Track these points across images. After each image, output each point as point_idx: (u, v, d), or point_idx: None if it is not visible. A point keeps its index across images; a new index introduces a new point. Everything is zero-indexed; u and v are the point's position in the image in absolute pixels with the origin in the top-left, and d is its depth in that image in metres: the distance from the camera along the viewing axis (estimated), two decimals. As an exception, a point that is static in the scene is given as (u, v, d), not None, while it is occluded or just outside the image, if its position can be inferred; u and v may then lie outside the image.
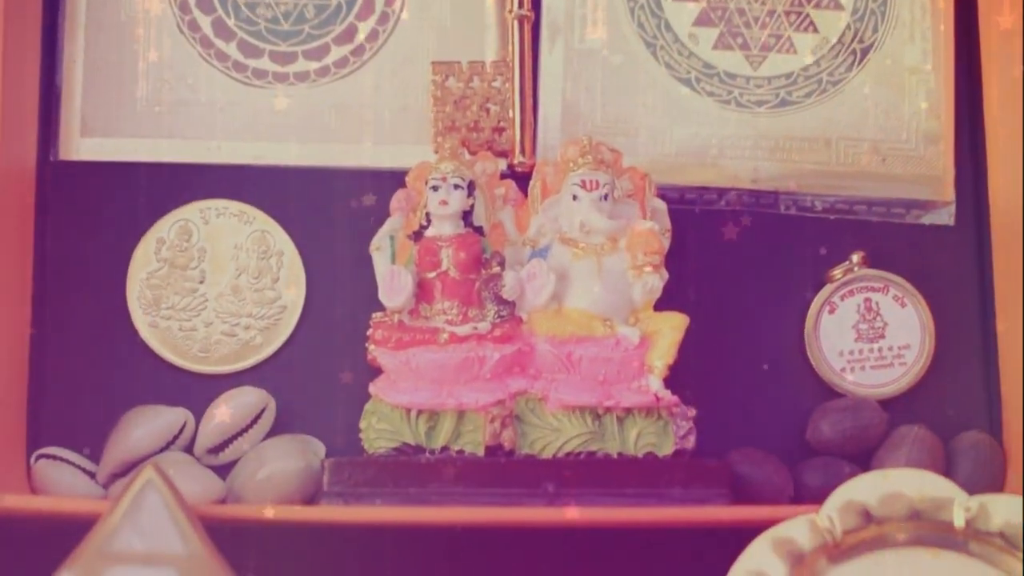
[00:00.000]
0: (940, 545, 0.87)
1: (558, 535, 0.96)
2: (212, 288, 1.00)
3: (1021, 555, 0.86)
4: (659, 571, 0.96)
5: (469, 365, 0.93)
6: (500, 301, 0.95)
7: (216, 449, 0.97)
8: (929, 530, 0.87)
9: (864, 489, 0.87)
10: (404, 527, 0.93)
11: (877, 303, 1.01)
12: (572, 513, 0.88)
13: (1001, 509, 0.87)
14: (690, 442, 0.95)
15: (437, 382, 0.93)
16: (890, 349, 1.01)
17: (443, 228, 0.96)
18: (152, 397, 0.98)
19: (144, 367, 0.99)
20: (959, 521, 0.87)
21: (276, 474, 0.94)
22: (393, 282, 0.94)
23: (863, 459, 0.97)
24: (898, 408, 1.00)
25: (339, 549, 0.95)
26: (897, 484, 0.87)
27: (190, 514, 0.83)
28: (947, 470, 0.96)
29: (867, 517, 0.87)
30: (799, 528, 0.86)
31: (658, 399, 0.93)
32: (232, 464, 0.97)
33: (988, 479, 0.96)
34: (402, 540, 0.95)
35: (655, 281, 0.95)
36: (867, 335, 1.01)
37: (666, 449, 0.94)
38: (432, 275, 0.95)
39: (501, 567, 0.96)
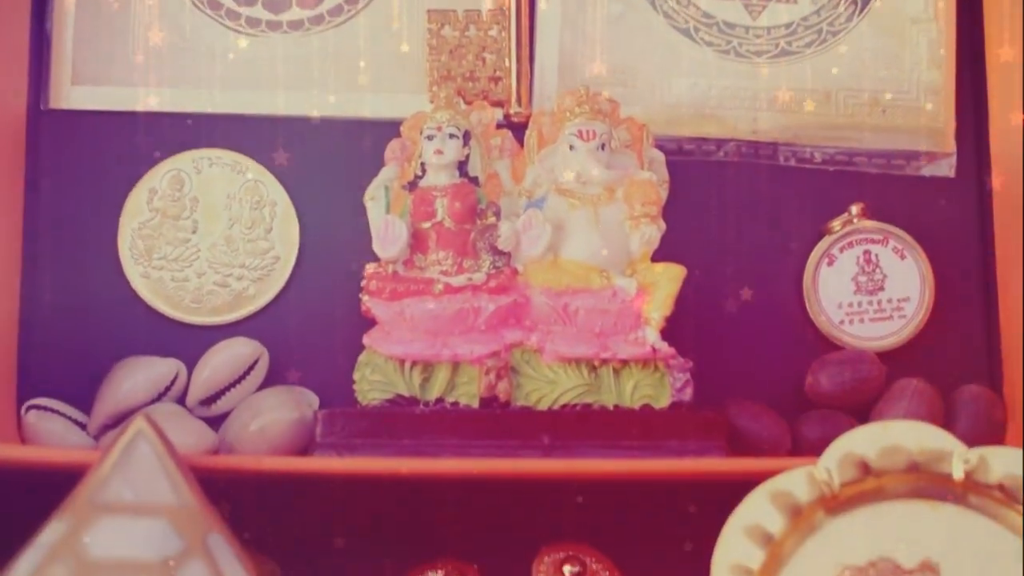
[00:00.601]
0: (939, 497, 0.86)
1: (554, 487, 0.95)
2: (205, 238, 0.99)
3: (1021, 508, 0.85)
4: (655, 524, 0.96)
5: (464, 316, 0.92)
6: (495, 252, 0.94)
7: (208, 401, 0.96)
8: (928, 482, 0.86)
9: (862, 441, 0.86)
10: (398, 478, 0.92)
11: (876, 255, 1.00)
12: (567, 465, 0.87)
13: (1001, 461, 0.86)
14: (687, 394, 0.94)
15: (432, 333, 0.92)
16: (889, 301, 1.00)
17: (438, 178, 0.95)
18: (144, 348, 0.97)
19: (136, 318, 0.98)
20: (958, 473, 0.86)
21: (269, 425, 0.94)
22: (387, 232, 0.93)
23: (862, 412, 0.97)
24: (897, 361, 0.99)
25: (332, 501, 0.94)
26: (896, 436, 0.87)
27: (181, 464, 0.82)
28: (946, 423, 0.95)
29: (865, 469, 0.86)
30: (797, 480, 0.86)
31: (655, 351, 0.93)
32: (225, 416, 0.96)
33: (988, 432, 0.95)
34: (395, 492, 0.94)
35: (652, 232, 0.94)
36: (866, 287, 1.00)
37: (663, 401, 0.93)
38: (427, 225, 0.94)
39: (496, 519, 0.95)
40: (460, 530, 0.95)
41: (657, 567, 0.95)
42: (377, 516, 0.95)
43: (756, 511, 0.85)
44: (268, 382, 0.97)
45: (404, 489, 0.95)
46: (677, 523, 0.95)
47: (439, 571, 0.93)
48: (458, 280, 0.93)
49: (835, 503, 0.86)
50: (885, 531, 0.85)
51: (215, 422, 0.96)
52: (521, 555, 0.94)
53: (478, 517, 0.95)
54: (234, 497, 0.90)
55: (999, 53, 1.00)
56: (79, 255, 0.98)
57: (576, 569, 0.92)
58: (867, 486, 0.86)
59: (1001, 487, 0.86)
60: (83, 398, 0.96)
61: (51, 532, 0.79)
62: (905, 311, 1.00)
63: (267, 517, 0.94)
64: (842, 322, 1.00)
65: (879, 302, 1.00)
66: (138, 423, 0.82)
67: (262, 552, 0.90)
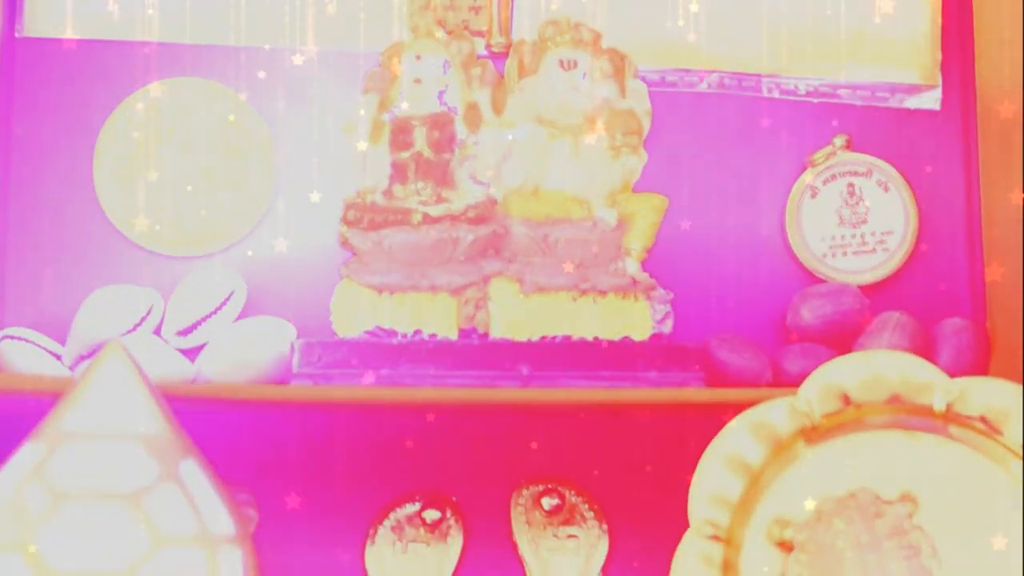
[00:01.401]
0: (920, 428, 0.85)
1: (532, 420, 0.94)
2: (182, 168, 0.98)
3: (1002, 439, 0.84)
4: (634, 456, 0.95)
5: (442, 246, 0.92)
6: (475, 182, 0.93)
7: (185, 331, 0.95)
8: (909, 413, 0.86)
9: (843, 372, 0.86)
10: (375, 410, 0.91)
11: (860, 188, 0.99)
12: (545, 394, 0.86)
13: (982, 393, 0.85)
14: (668, 326, 0.93)
15: (410, 263, 0.92)
16: (872, 234, 0.99)
17: (417, 108, 0.94)
18: (120, 279, 0.96)
19: (112, 248, 0.97)
20: (939, 405, 0.85)
21: (246, 356, 0.93)
22: (365, 161, 0.92)
23: (844, 345, 0.96)
24: (880, 294, 0.98)
25: (309, 433, 0.94)
26: (877, 367, 0.86)
27: (154, 391, 0.81)
28: (929, 356, 0.94)
29: (846, 400, 0.85)
30: (777, 410, 0.85)
31: (635, 282, 0.92)
32: (201, 347, 0.95)
33: (970, 365, 0.95)
34: (373, 424, 0.94)
35: (633, 162, 0.93)
36: (849, 220, 0.99)
37: (643, 333, 0.92)
38: (406, 155, 0.93)
39: (474, 452, 0.95)
40: (438, 463, 0.95)
41: (635, 499, 0.94)
42: (355, 449, 0.94)
43: (735, 441, 0.84)
44: (245, 313, 0.96)
45: (382, 422, 0.94)
46: (656, 455, 0.95)
47: (417, 503, 0.92)
48: (437, 210, 0.92)
49: (815, 433, 0.85)
50: (865, 462, 0.85)
51: (191, 354, 0.95)
52: (500, 488, 0.94)
53: (457, 450, 0.95)
54: (210, 428, 0.89)
55: (986, -16, 0.99)
56: (55, 185, 0.97)
57: (555, 502, 0.92)
58: (847, 417, 0.86)
59: (983, 419, 0.85)
60: (58, 329, 0.95)
61: (22, 458, 0.78)
62: (888, 244, 0.99)
63: (242, 448, 0.93)
64: (825, 255, 0.99)
65: (862, 235, 0.99)
66: (110, 350, 0.82)
67: (237, 483, 0.90)
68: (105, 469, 0.78)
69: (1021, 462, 0.84)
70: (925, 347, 0.95)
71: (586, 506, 0.93)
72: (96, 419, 0.80)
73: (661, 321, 0.93)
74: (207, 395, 0.86)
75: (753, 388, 0.91)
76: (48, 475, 0.78)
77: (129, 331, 0.94)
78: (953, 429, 0.85)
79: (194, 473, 0.80)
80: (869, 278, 0.99)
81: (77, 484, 0.78)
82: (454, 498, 0.93)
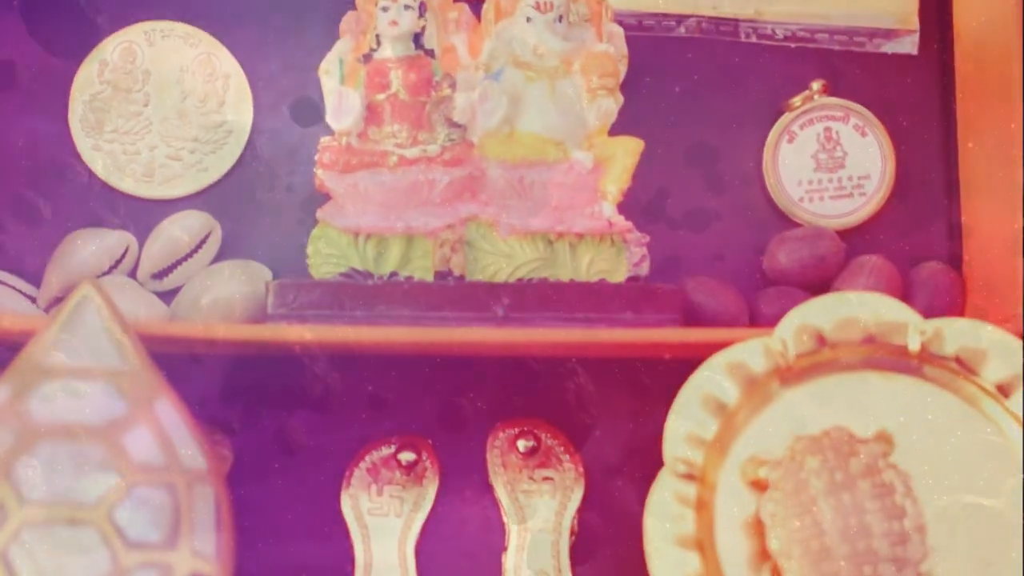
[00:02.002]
0: (894, 369, 0.86)
1: (508, 361, 0.94)
2: (157, 111, 0.98)
3: (976, 379, 0.85)
4: (609, 399, 0.95)
5: (418, 188, 0.91)
6: (451, 124, 0.93)
7: (160, 274, 0.95)
8: (883, 354, 0.86)
9: (818, 312, 0.86)
10: (350, 353, 0.91)
11: (837, 132, 0.99)
12: (520, 334, 0.86)
13: (957, 333, 0.86)
14: (644, 269, 0.93)
15: (385, 206, 0.91)
16: (849, 179, 0.99)
17: (393, 50, 0.94)
18: (95, 222, 0.96)
19: (86, 191, 0.97)
20: (914, 345, 0.85)
21: (221, 299, 0.92)
22: (341, 103, 0.92)
23: (820, 289, 0.96)
24: (857, 239, 0.98)
25: (284, 376, 0.94)
26: (852, 308, 0.86)
27: (127, 330, 0.81)
28: (905, 300, 0.94)
29: (821, 341, 0.85)
30: (752, 351, 0.85)
31: (611, 224, 0.92)
32: (177, 291, 0.95)
33: (946, 308, 0.95)
34: (348, 367, 0.94)
35: (609, 105, 0.93)
36: (826, 165, 0.99)
37: (619, 276, 0.92)
38: (381, 97, 0.93)
39: (450, 396, 0.95)
40: (414, 406, 0.94)
41: (611, 441, 0.94)
42: (330, 392, 0.94)
43: (710, 381, 0.84)
44: (221, 257, 0.96)
45: (357, 364, 0.94)
46: (631, 398, 0.95)
47: (392, 446, 0.92)
48: (412, 152, 0.92)
49: (790, 374, 0.85)
50: (840, 402, 0.85)
51: (167, 297, 0.95)
52: (476, 431, 0.94)
53: (433, 393, 0.95)
54: (184, 369, 0.89)
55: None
56: (29, 127, 0.97)
57: (530, 444, 0.92)
58: (822, 357, 0.86)
59: (957, 359, 0.85)
60: (33, 271, 0.95)
61: (-5, 396, 0.78)
62: (865, 189, 0.99)
63: (217, 390, 0.93)
64: (801, 199, 0.99)
65: (839, 179, 0.99)
66: (84, 288, 0.82)
67: (212, 424, 0.90)
68: (79, 406, 0.78)
69: (995, 402, 0.84)
70: (901, 290, 0.95)
71: (561, 448, 0.93)
72: (70, 356, 0.79)
73: (637, 264, 0.93)
74: (181, 334, 0.86)
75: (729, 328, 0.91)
76: (21, 412, 0.78)
77: (104, 274, 0.94)
78: (928, 369, 0.85)
79: (168, 411, 0.80)
80: (846, 222, 0.99)
81: (50, 420, 0.78)
82: (430, 441, 0.93)
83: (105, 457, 0.77)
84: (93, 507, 0.76)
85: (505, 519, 0.92)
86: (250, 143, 0.98)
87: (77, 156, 0.97)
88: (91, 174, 0.97)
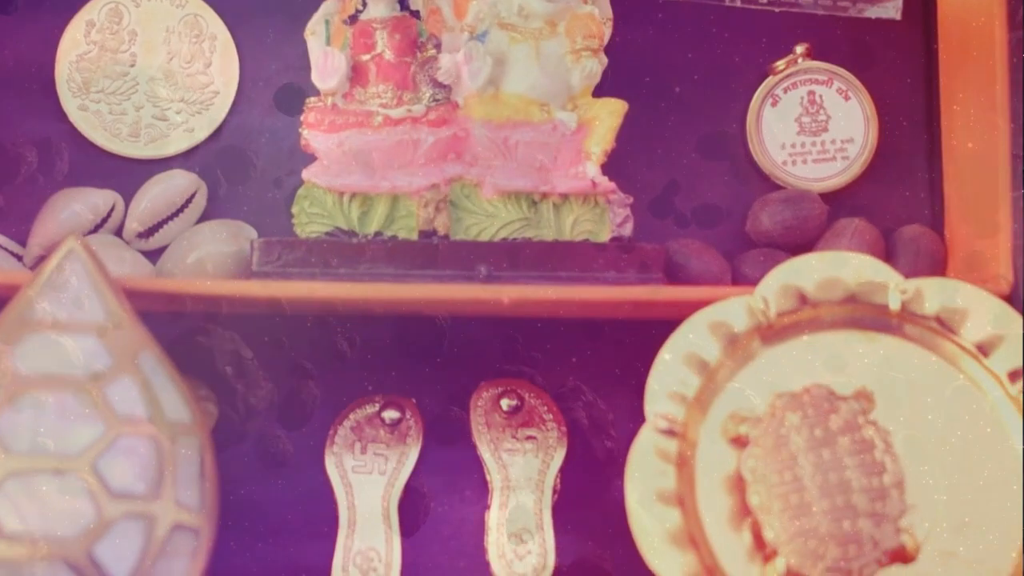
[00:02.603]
0: (875, 328, 0.86)
1: (492, 321, 0.95)
2: (143, 72, 0.98)
3: (956, 338, 0.85)
4: (592, 359, 0.95)
5: (403, 148, 0.92)
6: (436, 85, 0.93)
7: (146, 233, 0.95)
8: (864, 313, 0.86)
9: (800, 271, 0.86)
10: (334, 312, 0.92)
11: (821, 96, 1.00)
12: (503, 291, 0.87)
13: (937, 293, 0.86)
14: (627, 229, 0.94)
15: (370, 165, 0.92)
16: (833, 142, 0.99)
17: (379, 11, 0.94)
18: (81, 181, 0.96)
19: (73, 151, 0.97)
20: (895, 304, 0.86)
21: (206, 258, 0.93)
22: (326, 63, 0.92)
23: (803, 251, 0.95)
24: (840, 202, 0.99)
25: (268, 335, 0.94)
26: (833, 267, 0.87)
27: (113, 284, 0.81)
28: (887, 262, 0.94)
29: (802, 300, 0.86)
30: (733, 309, 0.86)
31: (595, 185, 0.92)
32: (162, 250, 0.96)
33: (927, 272, 0.95)
34: (333, 327, 0.94)
35: (594, 66, 0.93)
36: (810, 128, 0.99)
37: (602, 236, 0.92)
38: (367, 57, 0.93)
39: (434, 356, 0.95)
40: (398, 366, 0.95)
41: (594, 400, 0.94)
42: (315, 351, 0.94)
43: (692, 338, 0.85)
44: (206, 217, 0.96)
45: (341, 323, 0.94)
46: (614, 358, 0.95)
47: (376, 404, 0.93)
48: (397, 112, 0.92)
49: (771, 332, 0.86)
50: (820, 360, 0.85)
51: (153, 256, 0.95)
52: (460, 391, 0.94)
53: (416, 353, 0.95)
54: (169, 328, 0.89)
55: None
56: (16, 87, 0.97)
57: (514, 402, 0.92)
58: (803, 316, 0.86)
59: (938, 318, 0.86)
60: (19, 230, 0.95)
61: (-21, 347, 0.79)
62: (848, 152, 0.99)
63: (202, 349, 0.93)
64: (785, 163, 0.99)
65: (822, 143, 0.99)
66: (70, 243, 0.82)
67: (197, 380, 0.90)
68: (63, 358, 0.79)
69: (975, 360, 0.85)
70: (883, 253, 0.96)
71: (545, 408, 0.93)
72: (55, 309, 0.80)
73: (621, 224, 0.93)
74: (166, 290, 0.86)
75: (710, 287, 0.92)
76: (6, 364, 0.78)
77: (90, 232, 0.94)
78: (908, 328, 0.86)
79: (152, 364, 0.80)
80: (829, 186, 0.99)
81: (35, 373, 0.78)
82: (413, 400, 0.93)
83: (89, 409, 0.78)
84: (77, 457, 0.77)
85: (488, 477, 0.92)
86: (236, 104, 0.98)
87: (64, 116, 0.97)
88: (77, 134, 0.97)
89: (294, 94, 0.96)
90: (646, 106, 0.98)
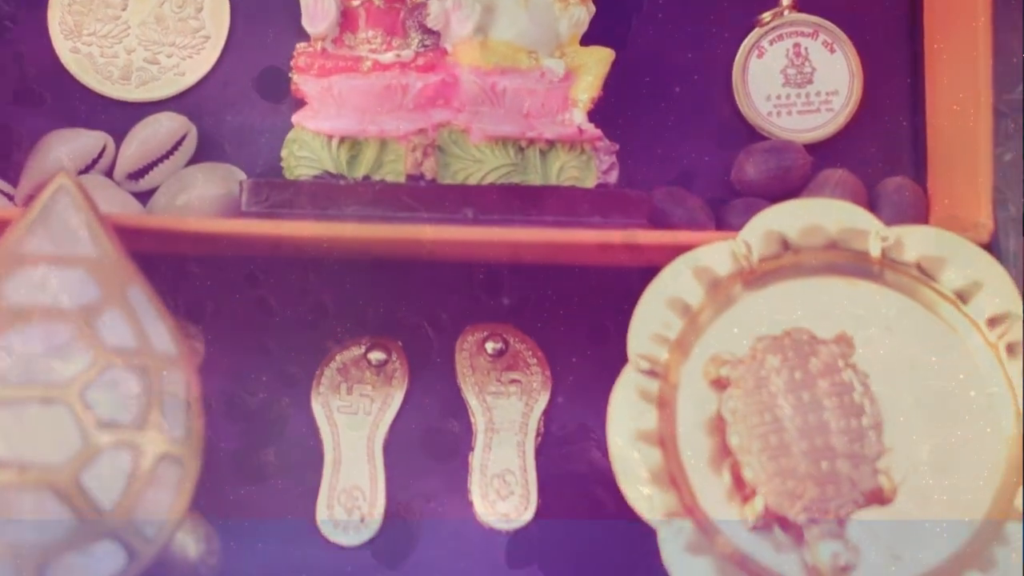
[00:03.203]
0: (856, 275, 0.87)
1: (478, 267, 0.95)
2: (135, 15, 0.99)
3: (936, 284, 0.86)
4: (578, 304, 0.96)
5: (392, 93, 0.92)
6: (425, 31, 0.94)
7: (136, 175, 0.96)
8: (845, 259, 0.87)
9: (782, 218, 0.88)
10: (322, 255, 0.92)
11: (806, 48, 1.00)
12: (488, 233, 0.88)
13: (917, 240, 0.87)
14: (612, 177, 0.94)
15: (359, 110, 0.92)
16: (817, 94, 1.00)
17: (369, -43, 0.95)
18: (72, 123, 0.97)
19: (65, 93, 0.98)
20: (875, 251, 0.87)
21: (196, 200, 0.94)
22: (316, 8, 0.93)
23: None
24: (824, 154, 0.99)
25: (255, 277, 0.95)
26: (816, 214, 0.88)
27: (102, 219, 0.82)
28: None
29: (785, 246, 0.87)
30: (716, 253, 0.87)
31: (581, 131, 0.93)
32: (152, 192, 0.96)
33: (911, 222, 0.96)
34: (320, 270, 0.95)
35: (582, 14, 0.94)
36: (795, 80, 1.00)
37: (588, 183, 0.93)
38: (356, 3, 0.94)
39: (421, 300, 0.96)
40: (385, 309, 0.95)
41: (579, 346, 0.95)
42: (302, 294, 0.95)
43: (675, 282, 0.86)
44: (196, 159, 0.97)
45: (328, 267, 0.95)
46: (598, 304, 0.96)
47: (363, 346, 0.94)
48: (386, 58, 0.93)
49: (753, 277, 0.87)
50: (801, 305, 0.86)
51: (143, 198, 0.96)
52: (445, 335, 0.95)
53: (403, 297, 0.96)
54: (157, 268, 0.90)
55: None
56: (7, 30, 0.98)
57: (499, 346, 0.93)
58: (785, 261, 0.87)
59: (918, 266, 0.87)
60: (11, 171, 0.96)
61: (-30, 282, 0.80)
62: (833, 104, 1.00)
63: (190, 291, 0.94)
64: (770, 114, 1.00)
65: (807, 95, 1.00)
66: (60, 179, 0.83)
67: (185, 319, 0.91)
68: (53, 291, 0.79)
69: (953, 307, 0.86)
70: (866, 204, 0.96)
71: (529, 352, 0.94)
72: (44, 244, 0.81)
73: (606, 172, 0.94)
74: (155, 226, 0.87)
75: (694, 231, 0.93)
76: (-7, 297, 0.79)
77: (81, 173, 0.95)
78: (888, 275, 0.87)
79: (140, 298, 0.81)
80: (813, 137, 1.00)
81: (24, 305, 0.79)
82: (399, 343, 0.94)
83: (77, 340, 0.78)
84: (65, 387, 0.78)
85: (472, 420, 0.93)
86: (227, 48, 0.99)
87: (56, 58, 0.98)
88: (69, 76, 0.98)
89: (284, 38, 0.96)
90: (632, 56, 0.98)
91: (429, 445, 0.93)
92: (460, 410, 0.94)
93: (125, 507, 0.77)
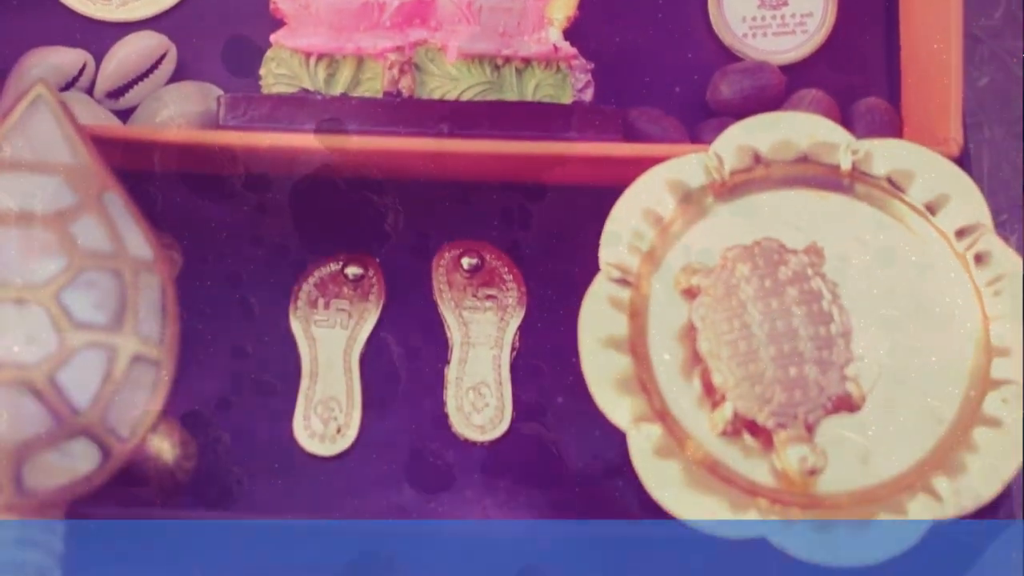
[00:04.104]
0: (826, 187, 0.88)
1: (455, 186, 0.96)
2: (115, -66, 1.00)
3: (905, 197, 0.87)
4: (553, 223, 0.97)
5: (369, 11, 0.93)
6: (402, -50, 0.94)
7: (116, 93, 0.97)
8: (816, 172, 0.88)
9: (755, 132, 0.88)
10: (298, 173, 0.93)
11: (781, -31, 1.01)
12: (461, 145, 0.89)
13: (888, 154, 0.88)
14: (588, 95, 0.95)
15: (337, 28, 0.93)
16: (792, 16, 1.01)
17: None
18: (53, 42, 0.97)
19: (45, 12, 0.98)
20: (845, 164, 0.88)
21: (175, 117, 0.95)
22: (294, -71, 0.94)
23: (761, 121, 0.98)
24: (798, 75, 1.00)
25: (232, 193, 0.95)
26: (787, 128, 0.89)
27: (79, 128, 0.83)
28: (842, 131, 0.97)
29: (756, 159, 0.88)
30: (688, 166, 0.88)
31: (557, 50, 0.94)
32: (132, 111, 0.97)
33: (882, 141, 0.97)
34: (297, 187, 0.95)
35: (558, -67, 0.95)
36: (770, 1, 1.01)
37: (564, 101, 0.94)
38: (334, -78, 0.94)
39: (399, 220, 0.96)
40: (362, 228, 0.96)
41: (553, 264, 0.96)
42: (279, 210, 0.96)
43: (647, 193, 0.87)
44: (176, 78, 0.98)
45: (305, 185, 0.95)
46: (573, 223, 0.96)
47: (340, 262, 0.95)
48: (364, -24, 0.94)
49: (724, 189, 0.88)
50: (772, 217, 0.87)
51: (123, 117, 0.97)
52: (422, 253, 0.96)
53: (380, 217, 0.96)
54: (133, 184, 0.90)
55: None
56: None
57: (474, 261, 0.94)
58: (756, 174, 0.88)
59: (888, 179, 0.88)
60: (-9, 90, 0.97)
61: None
62: (807, 26, 1.01)
63: (168, 208, 0.94)
64: (745, 35, 1.01)
65: (782, 16, 1.01)
66: (37, 89, 0.84)
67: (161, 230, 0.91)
68: (29, 196, 0.80)
69: (922, 218, 0.87)
70: (839, 122, 0.97)
71: (505, 269, 0.95)
72: (21, 151, 0.82)
73: (582, 90, 0.95)
74: (132, 136, 0.88)
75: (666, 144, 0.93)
76: (-32, 201, 0.80)
77: (62, 91, 0.96)
78: (859, 188, 0.88)
79: (116, 203, 0.82)
80: (788, 59, 1.01)
81: (1, 209, 0.80)
82: (377, 260, 0.95)
83: (53, 243, 0.79)
84: (40, 288, 0.79)
85: (448, 334, 0.94)
86: (207, -34, 1.00)
87: (35, -21, 0.99)
88: (50, -5, 0.99)
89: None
90: (609, -24, 0.99)
91: (405, 359, 0.94)
92: (436, 325, 0.94)
93: (100, 406, 0.78)
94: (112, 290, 0.79)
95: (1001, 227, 1.06)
